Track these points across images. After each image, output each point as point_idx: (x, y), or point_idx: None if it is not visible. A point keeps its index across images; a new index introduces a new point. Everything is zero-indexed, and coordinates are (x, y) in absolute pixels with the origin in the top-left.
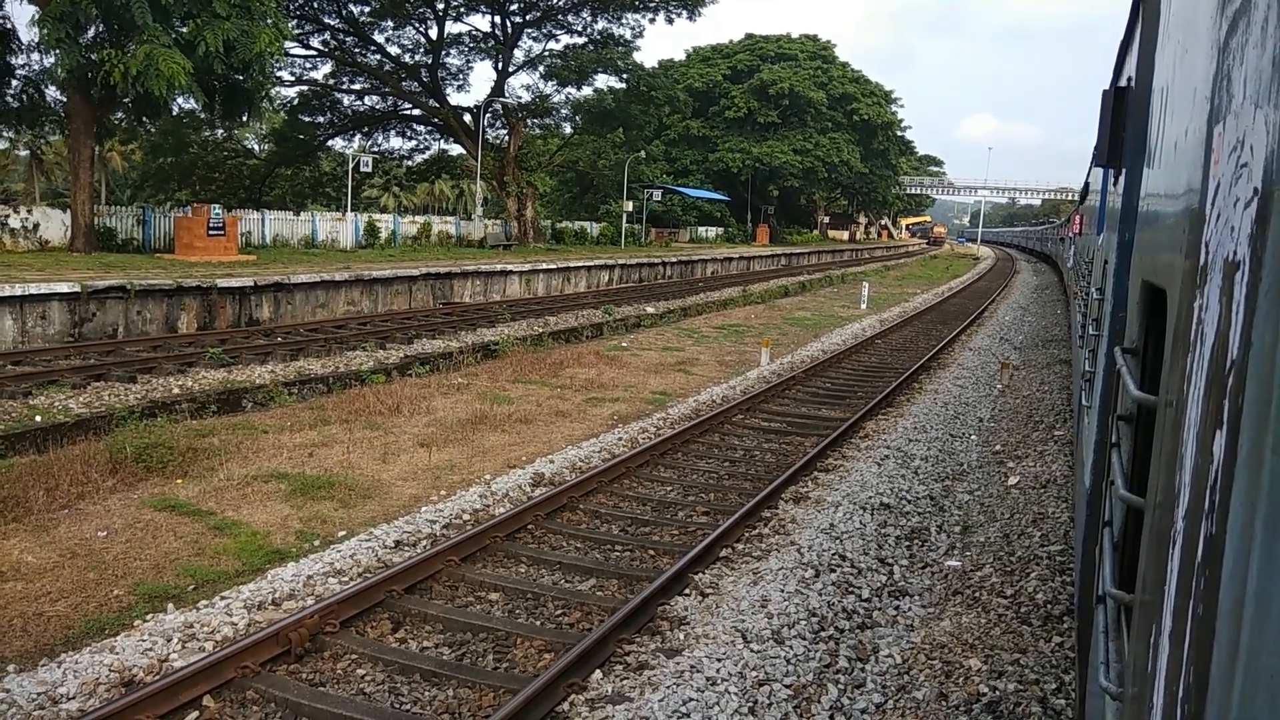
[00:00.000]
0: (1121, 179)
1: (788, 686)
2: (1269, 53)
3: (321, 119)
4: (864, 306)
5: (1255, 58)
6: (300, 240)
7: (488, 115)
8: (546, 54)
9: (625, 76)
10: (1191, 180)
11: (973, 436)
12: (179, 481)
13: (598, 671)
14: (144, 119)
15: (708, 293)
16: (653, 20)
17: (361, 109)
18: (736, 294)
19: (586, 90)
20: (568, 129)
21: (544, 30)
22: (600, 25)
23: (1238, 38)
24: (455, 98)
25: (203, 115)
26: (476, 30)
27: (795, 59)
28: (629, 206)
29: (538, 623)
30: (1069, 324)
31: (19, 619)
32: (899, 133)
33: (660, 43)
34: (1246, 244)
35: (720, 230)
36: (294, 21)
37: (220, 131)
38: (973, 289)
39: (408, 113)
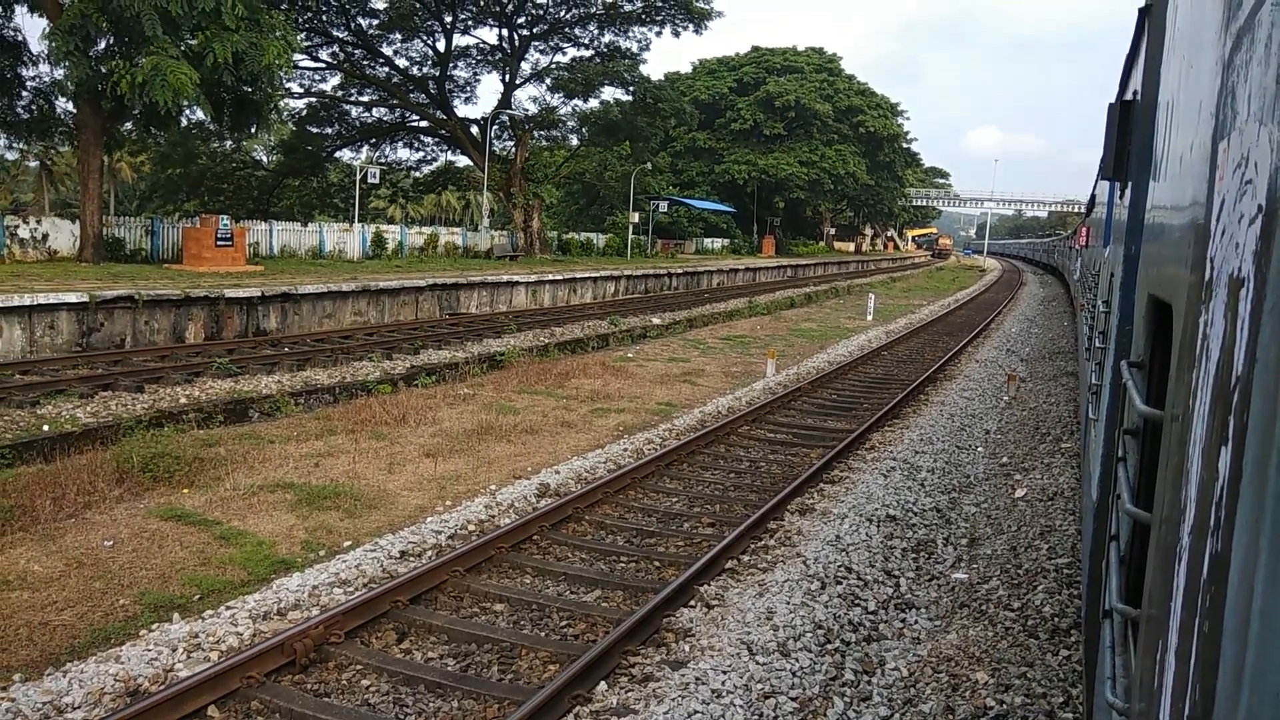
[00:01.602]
0: (1127, 192)
1: (793, 699)
2: (1273, 70)
3: (329, 130)
4: (870, 318)
5: (1259, 75)
6: (308, 251)
7: (494, 127)
8: (553, 66)
9: (631, 89)
10: (1197, 195)
11: (979, 449)
12: (185, 491)
13: (602, 683)
14: (153, 130)
15: (713, 304)
16: (659, 34)
17: (369, 120)
18: (742, 305)
19: (593, 102)
20: (574, 141)
21: (551, 43)
22: (607, 38)
23: (1242, 54)
24: (462, 109)
25: (211, 127)
26: (484, 43)
27: (801, 71)
28: (635, 218)
29: (543, 634)
30: (1075, 336)
31: (25, 628)
32: (905, 145)
33: (666, 56)
34: (1251, 260)
35: (726, 242)
36: (303, 34)
37: (229, 143)
38: (979, 301)
39: (415, 124)
